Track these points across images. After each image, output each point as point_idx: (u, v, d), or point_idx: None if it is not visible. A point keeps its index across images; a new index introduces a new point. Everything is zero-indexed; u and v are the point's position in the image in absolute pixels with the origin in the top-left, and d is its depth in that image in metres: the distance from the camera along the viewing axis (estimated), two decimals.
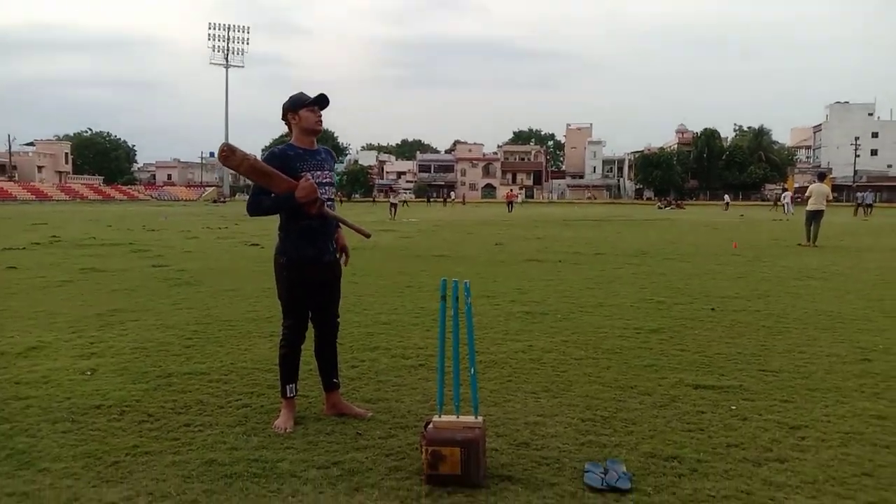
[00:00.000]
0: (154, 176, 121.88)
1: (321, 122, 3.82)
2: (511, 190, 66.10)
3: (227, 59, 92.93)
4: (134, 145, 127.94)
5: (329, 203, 3.82)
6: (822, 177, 18.56)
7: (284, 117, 3.83)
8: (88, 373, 4.76)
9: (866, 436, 3.60)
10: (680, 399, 4.20)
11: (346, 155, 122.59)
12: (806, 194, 17.54)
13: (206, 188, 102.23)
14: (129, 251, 14.30)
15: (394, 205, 35.19)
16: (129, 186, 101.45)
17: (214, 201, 79.90)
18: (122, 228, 23.25)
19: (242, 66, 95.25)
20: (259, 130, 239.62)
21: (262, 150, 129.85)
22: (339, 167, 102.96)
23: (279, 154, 3.73)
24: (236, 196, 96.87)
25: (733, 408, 4.03)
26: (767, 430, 3.67)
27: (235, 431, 3.64)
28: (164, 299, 7.95)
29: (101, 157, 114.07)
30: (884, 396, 4.28)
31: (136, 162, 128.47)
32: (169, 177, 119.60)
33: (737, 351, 5.43)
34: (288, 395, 3.81)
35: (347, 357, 5.14)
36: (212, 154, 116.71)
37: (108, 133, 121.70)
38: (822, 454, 3.34)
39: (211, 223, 26.56)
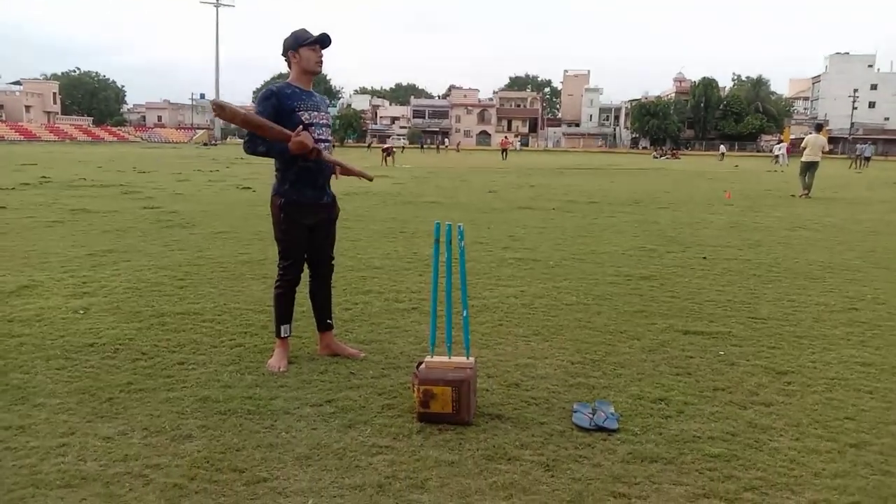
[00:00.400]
0: (144, 117, 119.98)
1: (321, 62, 3.76)
2: (505, 137, 65.54)
3: None
4: (123, 86, 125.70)
5: (327, 145, 3.77)
6: (818, 128, 18.45)
7: (284, 54, 3.75)
8: (81, 311, 4.77)
9: (850, 382, 3.66)
10: (669, 344, 4.25)
11: (339, 99, 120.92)
12: (802, 145, 17.47)
13: (197, 131, 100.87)
14: (119, 193, 14.19)
15: (386, 149, 34.67)
16: (118, 128, 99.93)
17: (205, 144, 78.96)
18: (112, 170, 23.01)
19: (233, 6, 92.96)
20: (251, 72, 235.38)
21: (254, 92, 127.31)
22: (332, 111, 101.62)
23: (276, 91, 3.66)
24: (227, 139, 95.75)
25: (721, 353, 4.09)
26: (754, 374, 3.74)
27: (229, 370, 3.67)
28: (156, 240, 7.92)
29: (90, 98, 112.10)
30: (869, 344, 4.35)
31: (125, 103, 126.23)
32: (159, 118, 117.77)
33: (727, 298, 5.48)
34: (282, 335, 3.83)
35: (341, 300, 5.16)
36: (202, 96, 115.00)
37: (96, 73, 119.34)
38: (806, 398, 3.41)
39: (202, 166, 26.32)
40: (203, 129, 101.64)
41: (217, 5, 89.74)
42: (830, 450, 2.84)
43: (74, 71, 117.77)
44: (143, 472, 2.60)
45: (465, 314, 3.19)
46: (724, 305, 5.25)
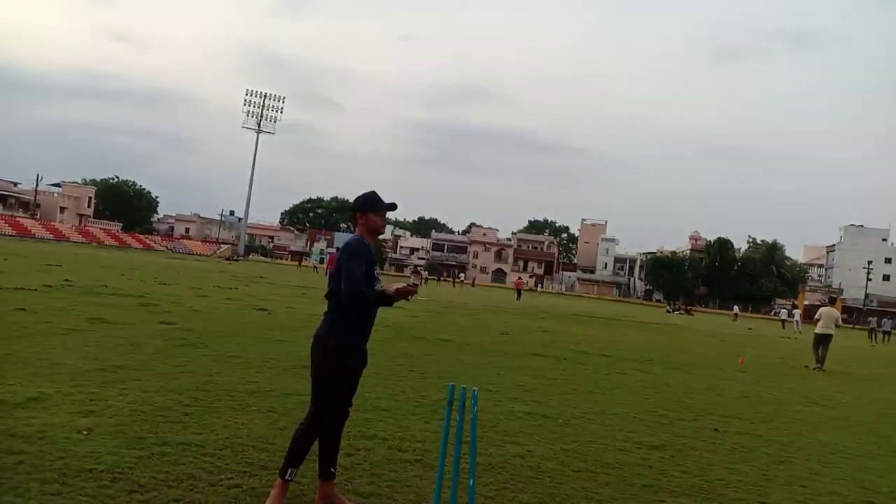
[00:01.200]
0: (172, 228, 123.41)
1: (385, 225, 4.07)
2: (519, 277, 66.27)
3: (259, 124, 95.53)
4: (157, 196, 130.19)
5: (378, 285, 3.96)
6: (832, 300, 18.52)
7: (354, 211, 4.02)
8: (85, 432, 4.74)
9: None
10: None
11: None
12: (815, 317, 17.47)
13: (222, 245, 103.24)
14: (138, 304, 14.37)
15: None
16: (146, 236, 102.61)
17: (228, 259, 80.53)
18: (134, 279, 23.42)
19: (273, 133, 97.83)
20: (280, 195, 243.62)
21: (282, 213, 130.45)
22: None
23: (368, 248, 3.91)
24: (250, 256, 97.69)
25: None
26: None
27: None
28: (168, 360, 7.95)
29: (124, 205, 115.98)
30: None
31: (156, 212, 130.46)
32: (187, 230, 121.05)
33: (737, 479, 5.34)
34: (287, 477, 3.78)
35: (343, 444, 5.04)
36: (232, 213, 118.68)
37: (133, 182, 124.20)
38: None
39: (222, 282, 26.72)
40: (227, 244, 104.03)
41: (258, 132, 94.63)
42: None
43: (113, 178, 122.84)
44: None
45: (471, 482, 3.16)
46: (735, 486, 5.11)
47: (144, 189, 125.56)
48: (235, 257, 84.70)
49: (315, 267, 72.06)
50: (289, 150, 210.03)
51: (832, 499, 5.08)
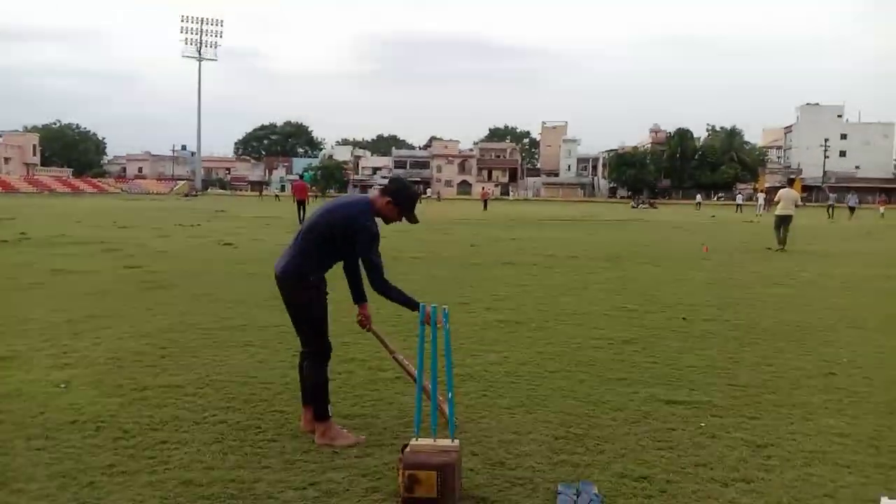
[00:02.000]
0: (125, 169, 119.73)
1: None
2: (483, 188, 66.49)
3: (199, 52, 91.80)
4: (104, 137, 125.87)
5: None
6: (791, 181, 18.97)
7: (388, 195, 3.87)
8: (63, 385, 4.73)
9: (829, 455, 3.72)
10: (651, 415, 4.30)
11: (320, 150, 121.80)
12: (776, 199, 17.89)
13: (178, 182, 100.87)
14: (100, 250, 14.11)
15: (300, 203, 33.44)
16: (98, 179, 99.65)
17: (186, 195, 78.90)
18: (92, 225, 22.91)
19: (216, 60, 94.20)
20: (232, 124, 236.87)
21: (236, 143, 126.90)
22: (314, 162, 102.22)
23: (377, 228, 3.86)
24: (208, 190, 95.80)
25: (702, 424, 4.14)
26: (735, 448, 3.78)
27: (212, 450, 3.65)
28: (138, 304, 7.88)
29: (70, 149, 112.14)
30: (847, 412, 4.42)
31: (105, 154, 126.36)
32: (140, 170, 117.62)
33: (706, 363, 5.56)
34: (330, 414, 3.84)
35: None
36: (184, 147, 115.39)
37: (76, 125, 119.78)
38: (786, 474, 3.45)
39: (183, 219, 26.27)
40: (184, 179, 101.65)
41: (200, 59, 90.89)
42: None
43: (55, 123, 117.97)
44: None
45: (450, 396, 3.23)
46: (704, 371, 5.32)
47: (90, 131, 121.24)
48: (194, 193, 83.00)
49: (277, 195, 71.10)
50: (235, 76, 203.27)
51: (796, 373, 5.32)
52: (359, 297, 4.21)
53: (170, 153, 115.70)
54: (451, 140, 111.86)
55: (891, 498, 3.16)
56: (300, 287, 3.85)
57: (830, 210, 44.80)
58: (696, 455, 3.66)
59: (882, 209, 47.72)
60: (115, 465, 3.44)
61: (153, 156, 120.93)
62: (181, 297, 8.37)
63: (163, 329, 6.55)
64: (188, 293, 8.70)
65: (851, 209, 43.68)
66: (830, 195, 48.16)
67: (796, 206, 17.46)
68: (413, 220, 4.01)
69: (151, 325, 6.72)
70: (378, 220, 3.90)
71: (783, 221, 16.89)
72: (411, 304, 3.75)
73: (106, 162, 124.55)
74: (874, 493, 3.25)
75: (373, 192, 4.06)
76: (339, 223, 3.81)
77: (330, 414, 3.84)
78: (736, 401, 4.60)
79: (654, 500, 3.14)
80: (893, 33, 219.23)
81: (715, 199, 61.81)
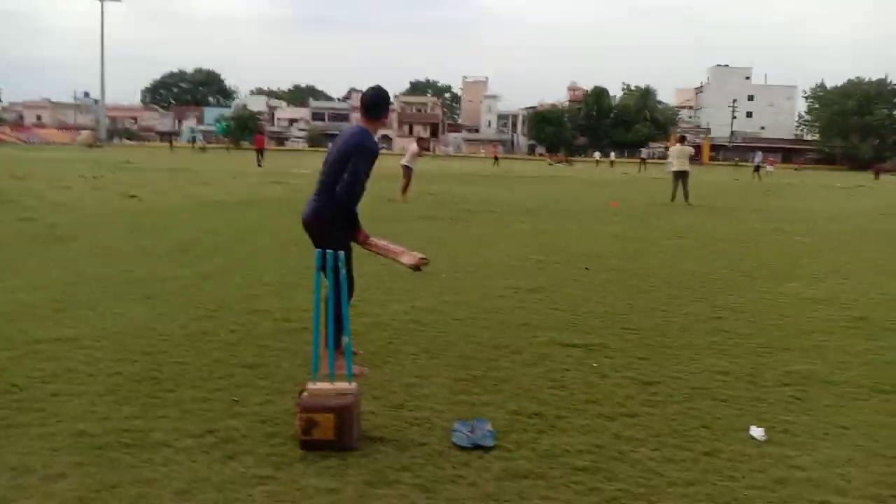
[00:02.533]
0: (22, 116, 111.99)
1: None
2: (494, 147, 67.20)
3: None
4: None
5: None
6: (682, 139, 19.99)
7: (381, 107, 4.14)
8: None
9: (710, 390, 3.99)
10: (548, 357, 4.48)
11: (234, 99, 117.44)
12: (668, 157, 18.94)
13: (81, 131, 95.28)
14: None
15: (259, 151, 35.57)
16: None
17: (90, 145, 74.76)
18: None
19: (120, 0, 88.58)
20: (139, 70, 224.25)
21: (143, 91, 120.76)
22: (227, 112, 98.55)
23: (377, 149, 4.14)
24: (114, 140, 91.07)
25: (595, 365, 4.35)
26: (623, 386, 4.00)
27: (106, 401, 3.57)
28: (33, 257, 7.51)
29: None
30: (729, 353, 4.73)
31: (0, 101, 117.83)
32: (39, 118, 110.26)
33: (604, 310, 5.81)
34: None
35: (227, 321, 5.10)
36: (86, 94, 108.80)
37: None
38: (668, 409, 3.68)
39: (86, 171, 24.96)
40: (87, 129, 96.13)
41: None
42: (686, 458, 3.10)
43: None
44: None
45: (347, 340, 3.26)
46: (602, 317, 5.56)
47: None
48: (98, 143, 78.72)
49: (202, 147, 68.04)
50: (142, 20, 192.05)
51: (687, 318, 5.64)
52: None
53: (71, 101, 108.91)
54: None
55: (759, 427, 3.44)
56: (328, 230, 4.03)
57: (736, 167, 46.74)
58: (586, 393, 3.86)
59: (771, 167, 49.92)
60: (3, 419, 3.33)
61: (53, 103, 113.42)
62: (80, 251, 8.02)
63: (59, 282, 6.28)
64: (88, 246, 8.34)
65: (756, 168, 44.81)
66: (756, 156, 48.13)
67: (690, 161, 18.46)
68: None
69: (47, 278, 6.43)
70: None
71: (680, 176, 17.76)
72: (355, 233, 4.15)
73: (0, 109, 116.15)
74: (746, 423, 3.52)
75: (358, 120, 4.27)
76: (350, 148, 4.02)
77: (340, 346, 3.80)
78: (628, 343, 4.85)
79: (545, 434, 3.30)
80: None
81: (612, 156, 63.80)
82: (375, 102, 4.15)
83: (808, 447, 3.27)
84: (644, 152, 53.75)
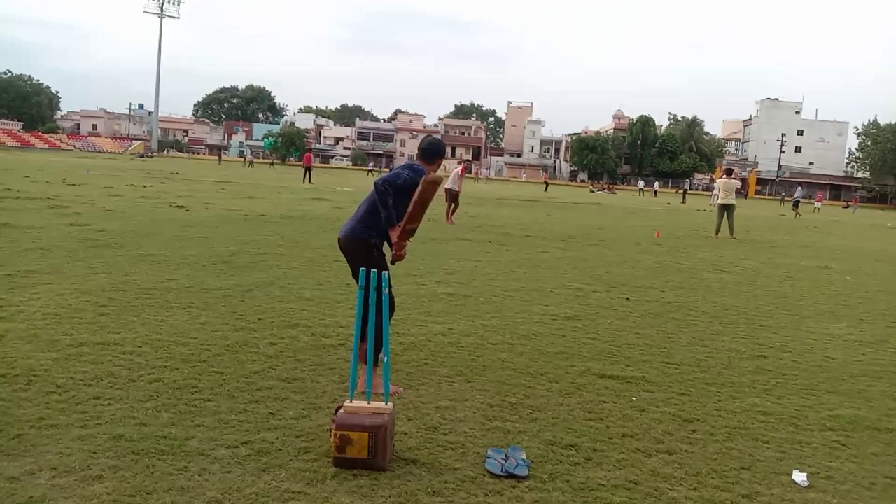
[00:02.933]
0: (78, 125, 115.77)
1: None
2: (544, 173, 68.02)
3: (161, 7, 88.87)
4: (58, 91, 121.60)
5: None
6: (729, 172, 19.62)
7: (433, 154, 4.39)
8: None
9: (751, 431, 3.88)
10: (585, 388, 4.41)
11: (282, 116, 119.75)
12: (714, 190, 18.64)
13: (133, 141, 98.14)
14: (46, 207, 13.71)
15: (307, 168, 36.08)
16: (50, 135, 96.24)
17: (141, 155, 76.82)
18: (40, 181, 22.20)
19: (178, 17, 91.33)
20: (192, 84, 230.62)
21: (195, 105, 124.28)
22: (275, 128, 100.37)
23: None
24: (165, 151, 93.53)
25: (633, 398, 4.26)
26: (662, 421, 3.91)
27: (146, 407, 3.63)
28: (81, 262, 7.71)
29: (22, 102, 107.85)
30: (772, 393, 4.61)
31: (59, 109, 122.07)
32: (94, 127, 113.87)
33: (644, 342, 5.71)
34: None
35: (267, 333, 5.16)
36: (141, 106, 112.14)
37: (28, 76, 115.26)
38: (708, 447, 3.59)
39: (136, 180, 25.66)
40: (139, 139, 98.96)
41: (161, 16, 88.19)
42: (725, 500, 3.01)
43: (6, 73, 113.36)
44: None
45: (385, 360, 3.26)
46: (642, 349, 5.47)
47: (43, 84, 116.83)
48: (149, 154, 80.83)
49: (251, 162, 69.47)
50: (199, 36, 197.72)
51: (729, 355, 5.51)
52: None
53: (126, 111, 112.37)
54: (416, 114, 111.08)
55: (801, 471, 3.33)
56: (362, 248, 4.18)
57: (782, 202, 45.82)
58: (623, 426, 3.78)
59: (818, 204, 48.86)
60: (44, 419, 3.40)
61: (109, 113, 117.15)
62: (126, 257, 8.21)
63: (105, 287, 6.44)
64: (134, 253, 8.54)
65: (795, 204, 43.16)
66: (797, 191, 46.79)
67: (737, 195, 18.17)
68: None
69: (93, 283, 6.59)
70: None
71: (725, 210, 17.48)
72: (390, 220, 4.09)
73: (59, 117, 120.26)
74: (788, 467, 3.41)
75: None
76: (388, 177, 4.18)
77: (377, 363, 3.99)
78: (668, 378, 4.75)
79: (580, 466, 3.24)
80: (855, 35, 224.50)
81: (656, 185, 63.14)
82: (430, 150, 4.40)
83: (853, 496, 3.16)
84: (687, 183, 52.72)
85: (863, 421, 4.15)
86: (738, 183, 19.16)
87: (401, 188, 4.10)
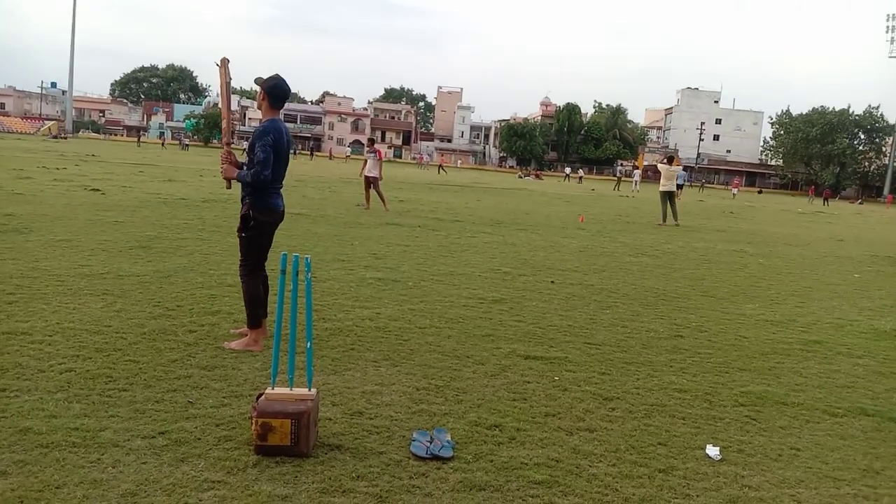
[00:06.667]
0: None
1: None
2: (420, 154, 67.53)
3: None
4: None
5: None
6: (671, 160, 19.36)
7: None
8: None
9: (668, 408, 4.02)
10: (510, 369, 4.47)
11: (205, 97, 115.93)
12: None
13: (46, 122, 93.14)
14: None
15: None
16: None
17: (54, 136, 72.99)
18: None
19: None
20: (107, 61, 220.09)
21: (112, 84, 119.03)
22: (198, 110, 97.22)
23: None
24: (80, 132, 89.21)
25: (556, 378, 4.35)
26: (583, 400, 4.01)
27: (56, 398, 3.46)
28: None
29: None
30: (688, 371, 4.79)
31: None
32: (2, 106, 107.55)
33: (567, 323, 5.83)
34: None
35: (186, 321, 5.01)
36: (53, 84, 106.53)
37: None
38: (627, 424, 3.70)
39: (48, 162, 24.38)
40: (52, 120, 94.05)
41: None
42: (642, 475, 3.12)
43: None
44: None
45: (308, 345, 3.21)
46: (565, 330, 5.59)
47: None
48: (63, 135, 76.96)
49: (184, 144, 67.05)
50: (115, 13, 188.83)
51: (648, 335, 5.69)
52: None
53: (38, 90, 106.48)
54: (345, 97, 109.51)
55: (714, 445, 3.48)
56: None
57: (701, 189, 47.73)
58: (546, 406, 3.86)
59: (735, 190, 51.04)
60: None
61: (18, 91, 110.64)
62: (36, 242, 7.80)
63: (12, 274, 6.10)
64: (45, 238, 8.12)
65: (678, 187, 43.50)
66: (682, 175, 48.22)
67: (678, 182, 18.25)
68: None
69: (0, 270, 6.24)
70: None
71: (667, 197, 17.70)
72: (246, 179, 4.47)
73: None
74: (702, 442, 3.55)
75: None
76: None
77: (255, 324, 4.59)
78: (590, 358, 4.87)
79: (504, 446, 3.29)
80: (769, 25, 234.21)
81: (581, 172, 64.59)
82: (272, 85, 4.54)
83: (762, 467, 3.32)
84: (619, 170, 53.32)
85: (772, 396, 4.37)
86: (679, 169, 19.16)
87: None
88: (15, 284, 5.73)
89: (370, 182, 15.79)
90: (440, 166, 59.74)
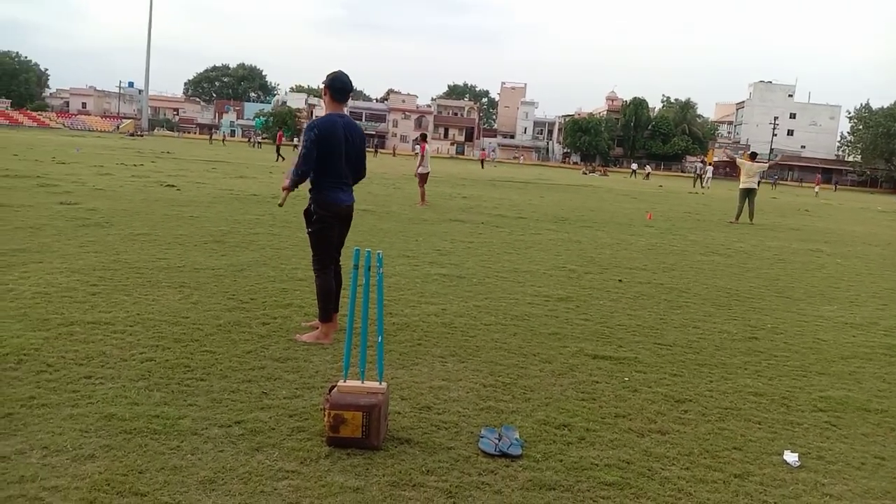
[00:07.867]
0: (67, 103, 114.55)
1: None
2: (483, 150, 67.88)
3: None
4: (46, 69, 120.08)
5: None
6: (753, 156, 18.59)
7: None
8: None
9: (742, 411, 3.89)
10: (578, 368, 4.42)
11: (274, 95, 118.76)
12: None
13: (124, 120, 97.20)
14: (36, 185, 13.58)
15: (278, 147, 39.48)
16: (39, 113, 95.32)
17: (131, 134, 76.16)
18: (29, 159, 21.97)
19: None
20: (183, 63, 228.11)
21: (185, 83, 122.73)
22: (267, 107, 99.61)
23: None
24: (155, 130, 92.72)
25: (626, 379, 4.28)
26: (654, 402, 3.93)
27: (138, 386, 3.61)
28: (71, 240, 7.65)
29: (9, 79, 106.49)
30: (764, 374, 4.63)
31: (48, 87, 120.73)
32: (84, 105, 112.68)
33: (637, 323, 5.72)
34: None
35: (259, 313, 5.14)
36: (131, 84, 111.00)
37: (16, 53, 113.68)
38: (700, 427, 3.61)
39: (126, 159, 25.44)
40: (129, 118, 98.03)
41: None
42: (716, 479, 3.03)
43: None
44: (38, 494, 2.54)
45: (379, 340, 3.25)
46: (634, 330, 5.48)
47: (31, 61, 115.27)
48: (139, 132, 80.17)
49: (223, 140, 69.46)
50: (188, 14, 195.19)
51: (721, 336, 5.53)
52: None
53: (115, 90, 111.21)
54: (408, 94, 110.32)
55: (793, 452, 3.35)
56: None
57: (774, 186, 46.04)
58: (616, 407, 3.80)
59: (817, 188, 49.17)
60: (35, 398, 3.37)
61: (98, 91, 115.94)
62: (117, 236, 8.15)
63: (95, 266, 6.39)
64: (125, 232, 8.48)
65: (699, 177, 41.00)
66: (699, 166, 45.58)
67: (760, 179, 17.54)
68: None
69: (83, 262, 6.54)
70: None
71: (747, 195, 17.03)
72: (291, 176, 4.67)
73: (48, 95, 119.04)
74: (779, 447, 3.43)
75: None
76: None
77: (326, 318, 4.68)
78: (660, 358, 4.77)
79: (573, 446, 3.25)
80: (849, 19, 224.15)
81: (648, 168, 62.96)
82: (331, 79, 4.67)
83: (843, 476, 3.18)
84: (699, 167, 50.27)
85: (853, 402, 4.18)
86: (764, 166, 18.48)
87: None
88: (98, 276, 5.99)
89: (422, 178, 16.00)
90: (482, 161, 58.31)
